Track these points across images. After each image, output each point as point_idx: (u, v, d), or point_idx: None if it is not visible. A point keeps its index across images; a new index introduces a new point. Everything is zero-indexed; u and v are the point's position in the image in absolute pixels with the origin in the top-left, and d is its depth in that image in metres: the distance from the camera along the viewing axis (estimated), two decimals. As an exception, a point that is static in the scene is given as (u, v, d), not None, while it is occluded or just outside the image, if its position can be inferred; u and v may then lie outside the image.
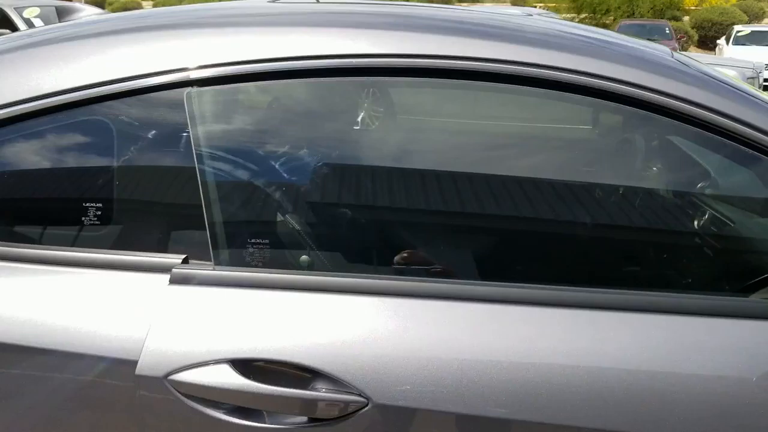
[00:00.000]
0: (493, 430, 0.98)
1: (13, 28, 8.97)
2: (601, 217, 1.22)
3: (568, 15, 21.58)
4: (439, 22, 1.21)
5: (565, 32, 1.27)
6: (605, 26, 21.13)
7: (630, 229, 1.21)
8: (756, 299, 1.06)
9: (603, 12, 22.30)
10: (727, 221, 1.23)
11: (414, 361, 0.99)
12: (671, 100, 1.07)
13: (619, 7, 21.70)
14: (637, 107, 1.09)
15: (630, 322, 1.01)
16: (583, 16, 22.59)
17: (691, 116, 1.07)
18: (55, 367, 1.01)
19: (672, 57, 1.25)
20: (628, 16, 20.34)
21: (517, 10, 8.62)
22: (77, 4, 9.38)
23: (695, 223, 1.25)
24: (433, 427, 0.99)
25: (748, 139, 1.06)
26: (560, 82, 1.07)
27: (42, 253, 1.07)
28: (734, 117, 1.06)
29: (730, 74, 1.32)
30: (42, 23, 9.22)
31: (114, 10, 22.02)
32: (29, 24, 9.16)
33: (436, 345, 1.00)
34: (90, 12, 9.39)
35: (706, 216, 1.24)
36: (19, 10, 9.34)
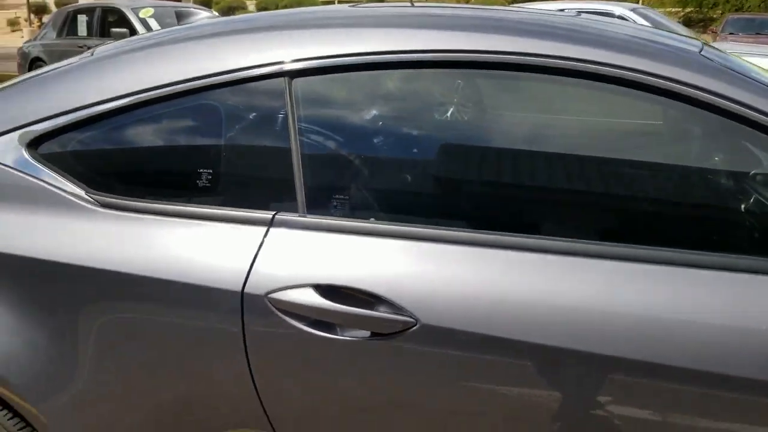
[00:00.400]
0: (511, 350, 1.23)
1: (130, 27, 9.76)
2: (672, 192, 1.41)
3: (672, 9, 20.91)
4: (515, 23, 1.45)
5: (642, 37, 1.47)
6: (712, 20, 20.32)
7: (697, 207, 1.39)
8: None
9: (710, 6, 21.49)
10: None
11: (454, 294, 1.25)
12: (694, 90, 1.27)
13: (727, 1, 20.87)
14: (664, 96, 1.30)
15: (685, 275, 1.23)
16: (688, 10, 21.85)
17: (712, 104, 1.27)
18: (191, 291, 1.34)
19: (700, 51, 1.44)
20: (736, 10, 19.52)
21: (595, 4, 8.47)
22: (192, 9, 10.11)
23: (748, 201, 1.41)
24: (467, 344, 1.24)
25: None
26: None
27: (185, 209, 1.40)
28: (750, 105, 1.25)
29: None
30: (156, 23, 9.96)
31: (219, 9, 23.09)
32: (144, 23, 9.92)
33: (472, 282, 1.26)
34: (204, 15, 10.08)
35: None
36: (135, 11, 10.12)
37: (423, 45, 1.38)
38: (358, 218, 1.36)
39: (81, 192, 1.44)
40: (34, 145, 1.48)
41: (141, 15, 10.03)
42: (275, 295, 1.29)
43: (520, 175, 1.40)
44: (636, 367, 1.19)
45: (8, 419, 1.51)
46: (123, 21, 9.94)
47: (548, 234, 1.30)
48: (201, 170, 1.43)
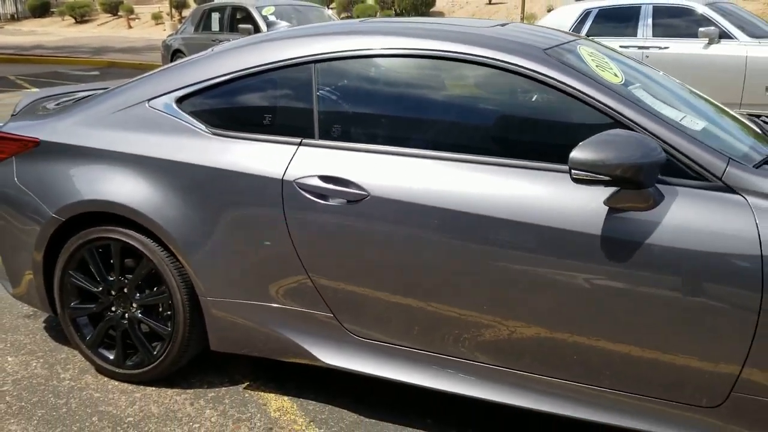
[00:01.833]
0: (423, 213, 2.28)
1: (254, 22, 11.28)
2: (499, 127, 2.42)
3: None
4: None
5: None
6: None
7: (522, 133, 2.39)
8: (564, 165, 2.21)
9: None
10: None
11: (392, 180, 2.32)
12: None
13: None
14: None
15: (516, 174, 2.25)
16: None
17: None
18: (255, 179, 2.49)
19: (545, 50, 2.41)
20: None
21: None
22: (281, 21, 11.64)
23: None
24: (401, 208, 2.31)
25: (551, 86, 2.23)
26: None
27: (264, 136, 2.57)
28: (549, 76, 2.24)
29: None
30: (274, 18, 11.44)
31: (340, 3, 24.60)
32: (266, 20, 11.42)
33: (403, 175, 2.32)
34: (283, 25, 11.58)
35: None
36: (259, 9, 11.63)
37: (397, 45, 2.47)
38: (345, 141, 2.47)
39: (203, 127, 2.64)
40: (179, 101, 2.70)
41: (264, 12, 11.55)
42: (299, 181, 2.43)
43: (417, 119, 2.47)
44: (498, 222, 2.21)
45: (171, 262, 2.72)
46: (249, 18, 11.51)
47: (446, 150, 2.35)
48: (265, 115, 2.60)
